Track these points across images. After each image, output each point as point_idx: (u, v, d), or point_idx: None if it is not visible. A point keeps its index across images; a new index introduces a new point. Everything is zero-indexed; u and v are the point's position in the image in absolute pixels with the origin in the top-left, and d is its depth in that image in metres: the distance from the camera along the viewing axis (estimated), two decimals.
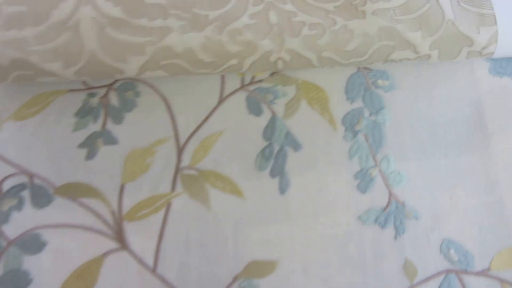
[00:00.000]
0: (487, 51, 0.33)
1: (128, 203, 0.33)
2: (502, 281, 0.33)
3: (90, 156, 0.34)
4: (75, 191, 0.34)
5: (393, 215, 0.34)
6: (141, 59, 0.30)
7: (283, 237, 0.33)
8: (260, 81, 0.36)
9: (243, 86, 0.36)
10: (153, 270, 0.32)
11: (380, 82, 0.36)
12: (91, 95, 0.35)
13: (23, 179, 0.34)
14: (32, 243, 0.33)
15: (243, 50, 0.31)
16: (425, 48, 0.32)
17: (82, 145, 0.34)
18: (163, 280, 0.32)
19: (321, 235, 0.33)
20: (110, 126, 0.35)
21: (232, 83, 0.36)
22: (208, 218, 0.33)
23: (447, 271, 0.33)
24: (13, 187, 0.33)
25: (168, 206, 0.33)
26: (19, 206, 0.33)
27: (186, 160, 0.34)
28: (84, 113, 0.35)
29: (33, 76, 0.31)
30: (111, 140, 0.35)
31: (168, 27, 0.30)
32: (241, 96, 0.36)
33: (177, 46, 0.30)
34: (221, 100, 0.35)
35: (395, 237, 0.33)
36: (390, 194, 0.34)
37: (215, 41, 0.30)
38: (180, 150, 0.34)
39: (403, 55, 0.32)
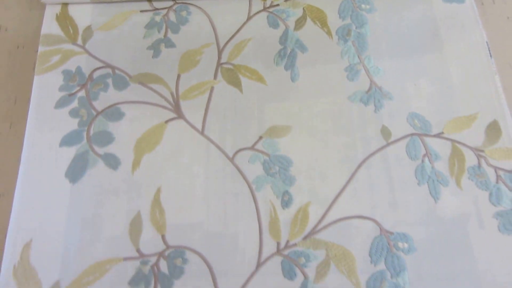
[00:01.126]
0: None
1: (183, 87, 0.46)
2: (452, 141, 0.45)
3: (155, 55, 0.47)
4: (145, 79, 0.47)
5: (373, 96, 0.46)
6: None
7: (294, 111, 0.45)
8: (277, 5, 0.50)
9: (264, 8, 0.49)
10: (201, 133, 0.45)
11: (363, 6, 0.50)
12: (156, 14, 0.49)
13: (108, 70, 0.47)
14: (114, 113, 0.45)
15: None
16: None
17: (149, 48, 0.48)
18: (208, 139, 0.44)
19: (322, 110, 0.45)
20: (170, 35, 0.48)
21: (257, 6, 0.49)
22: (240, 98, 0.46)
23: (412, 134, 0.45)
24: (100, 76, 0.47)
25: (212, 89, 0.46)
26: (105, 88, 0.46)
27: (224, 57, 0.47)
28: (151, 26, 0.49)
29: None
30: (170, 44, 0.48)
31: None
32: (263, 15, 0.49)
33: None
34: (249, 18, 0.49)
35: (375, 111, 0.45)
36: (371, 82, 0.47)
37: None
38: (220, 51, 0.48)
39: None
